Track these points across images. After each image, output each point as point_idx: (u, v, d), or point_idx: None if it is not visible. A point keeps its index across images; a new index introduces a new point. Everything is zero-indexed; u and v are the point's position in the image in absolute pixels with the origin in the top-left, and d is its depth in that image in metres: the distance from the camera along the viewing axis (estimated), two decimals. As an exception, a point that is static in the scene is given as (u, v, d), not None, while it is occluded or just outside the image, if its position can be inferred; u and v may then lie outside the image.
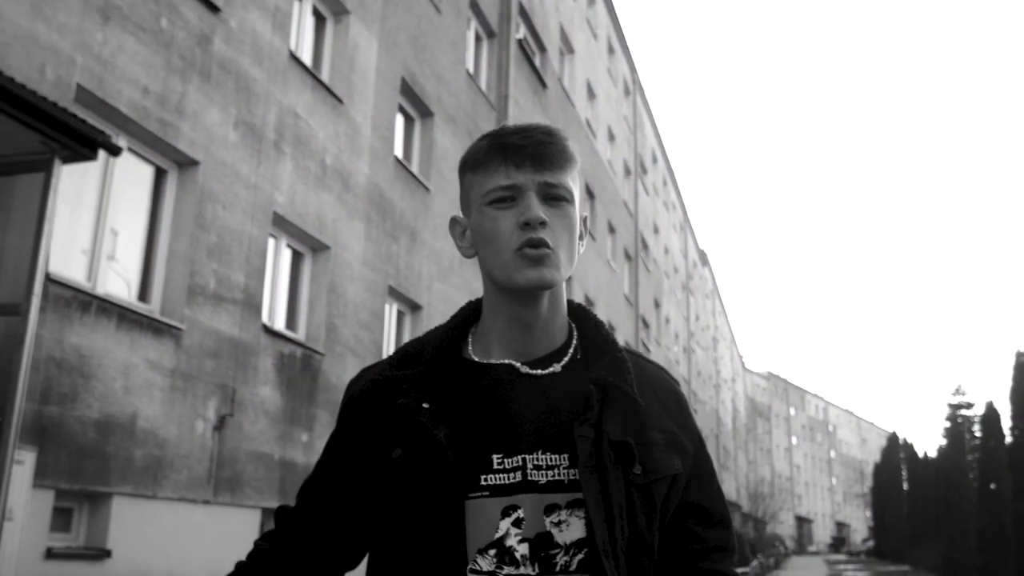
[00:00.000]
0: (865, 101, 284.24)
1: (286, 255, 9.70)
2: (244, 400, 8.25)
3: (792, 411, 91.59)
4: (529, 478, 1.20)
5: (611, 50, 28.27)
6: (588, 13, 25.05)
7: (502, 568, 1.17)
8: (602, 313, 24.23)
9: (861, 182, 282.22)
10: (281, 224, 9.27)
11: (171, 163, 7.87)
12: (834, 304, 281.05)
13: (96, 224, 7.09)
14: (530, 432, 1.22)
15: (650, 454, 1.25)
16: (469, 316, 1.37)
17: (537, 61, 19.27)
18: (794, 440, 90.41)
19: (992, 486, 25.76)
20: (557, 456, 1.22)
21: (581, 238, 1.31)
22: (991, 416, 26.32)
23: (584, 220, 1.34)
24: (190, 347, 7.63)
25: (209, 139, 8.05)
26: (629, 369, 1.29)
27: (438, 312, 12.33)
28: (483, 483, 1.20)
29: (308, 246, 9.97)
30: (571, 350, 1.31)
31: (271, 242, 9.17)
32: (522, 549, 1.17)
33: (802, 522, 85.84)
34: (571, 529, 1.19)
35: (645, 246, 31.89)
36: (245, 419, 8.24)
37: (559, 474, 1.21)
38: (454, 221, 1.37)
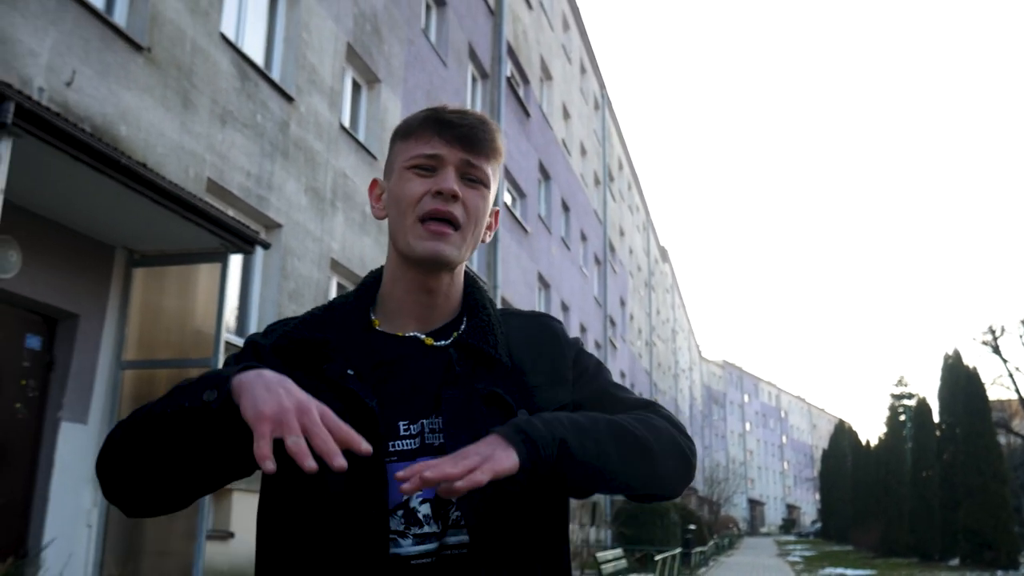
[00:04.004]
0: (813, 97, 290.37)
1: (334, 290, 11.77)
2: (314, 413, 10.34)
3: (746, 398, 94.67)
4: (426, 442, 1.23)
5: (583, 70, 30.38)
6: (563, 39, 27.16)
7: (410, 529, 1.20)
8: (575, 316, 26.45)
9: (817, 175, 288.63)
10: (335, 267, 11.36)
11: (261, 227, 9.90)
12: (789, 293, 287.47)
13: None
14: (427, 399, 1.25)
15: (533, 399, 1.27)
16: (372, 284, 1.39)
17: (521, 93, 21.38)
18: (748, 426, 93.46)
19: (924, 474, 28.40)
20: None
21: (489, 228, 1.35)
22: (923, 409, 28.97)
23: (495, 215, 1.37)
24: (279, 373, 9.70)
25: (289, 206, 10.10)
26: (492, 330, 1.32)
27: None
28: (391, 449, 1.22)
29: (353, 282, 12.06)
30: (464, 320, 1.34)
31: (328, 282, 11.25)
32: (424, 509, 1.21)
33: (755, 505, 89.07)
34: None
35: (612, 249, 34.08)
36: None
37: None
38: (375, 183, 1.39)
